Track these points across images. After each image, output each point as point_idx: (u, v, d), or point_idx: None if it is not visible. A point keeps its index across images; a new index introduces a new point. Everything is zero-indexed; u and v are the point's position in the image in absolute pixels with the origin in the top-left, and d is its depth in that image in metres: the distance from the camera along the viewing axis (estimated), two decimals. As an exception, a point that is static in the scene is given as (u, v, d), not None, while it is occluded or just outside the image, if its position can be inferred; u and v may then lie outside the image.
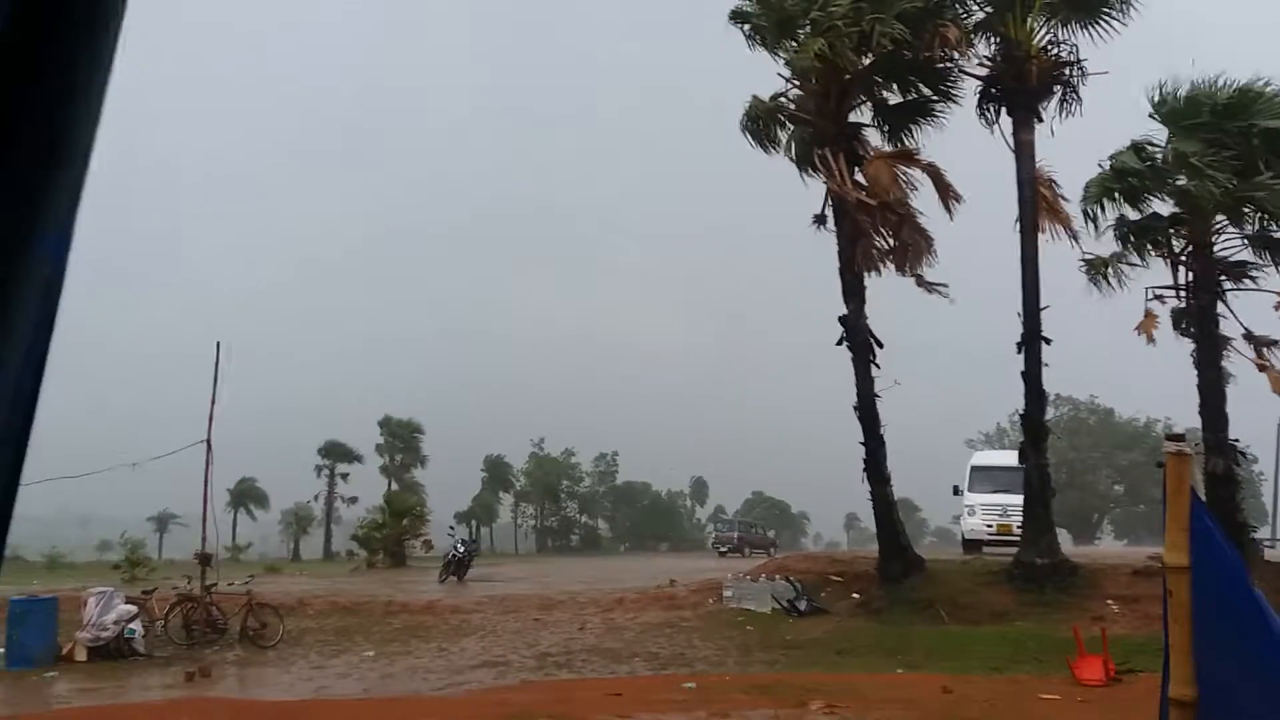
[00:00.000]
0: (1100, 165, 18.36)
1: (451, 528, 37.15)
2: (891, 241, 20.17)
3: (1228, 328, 18.12)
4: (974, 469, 28.05)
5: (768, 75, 20.15)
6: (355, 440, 72.02)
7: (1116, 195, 18.38)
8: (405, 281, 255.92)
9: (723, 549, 52.23)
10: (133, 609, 15.85)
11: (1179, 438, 2.10)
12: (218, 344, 16.54)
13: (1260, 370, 17.71)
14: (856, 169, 19.74)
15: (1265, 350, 17.91)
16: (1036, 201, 18.71)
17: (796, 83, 20.08)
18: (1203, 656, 1.97)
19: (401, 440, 70.37)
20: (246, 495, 72.81)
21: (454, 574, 28.11)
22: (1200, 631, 1.99)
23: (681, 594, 20.30)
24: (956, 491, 27.58)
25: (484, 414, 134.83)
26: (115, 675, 14.17)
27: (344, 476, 70.53)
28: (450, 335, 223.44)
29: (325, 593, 22.47)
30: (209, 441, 14.57)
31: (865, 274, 19.82)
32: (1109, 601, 16.32)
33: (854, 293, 19.48)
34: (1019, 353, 18.37)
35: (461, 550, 29.29)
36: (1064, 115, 18.99)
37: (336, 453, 70.68)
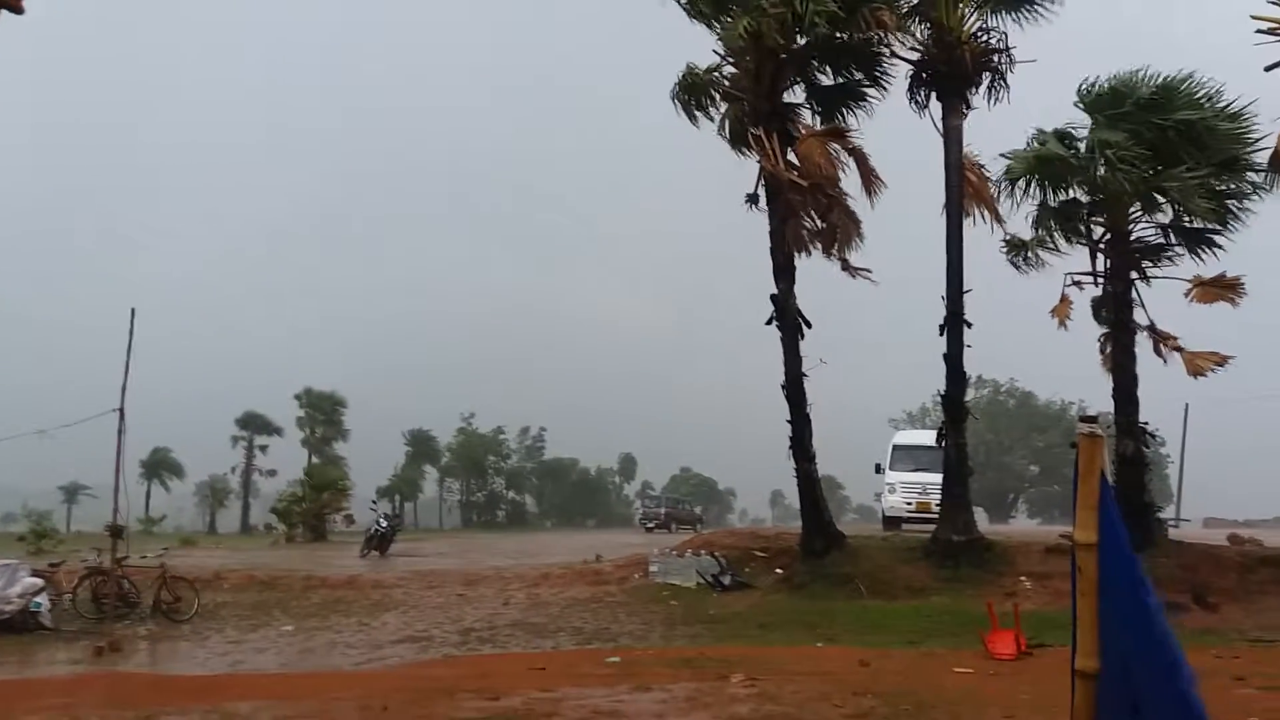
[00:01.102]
0: (1028, 144, 18.77)
1: (374, 502, 36.73)
2: (821, 224, 20.38)
3: (1140, 314, 18.74)
4: (895, 448, 28.64)
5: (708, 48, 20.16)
6: (276, 413, 70.66)
7: (1039, 179, 18.80)
8: (333, 259, 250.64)
9: (650, 525, 52.57)
10: (39, 582, 15.35)
11: (1092, 420, 2.13)
12: (132, 311, 15.99)
13: (1174, 351, 18.32)
14: (789, 149, 19.85)
15: (1167, 342, 18.57)
16: (963, 186, 19.07)
17: (731, 59, 20.11)
18: (1105, 630, 2.02)
19: (322, 413, 69.14)
20: (161, 466, 70.91)
21: (376, 549, 27.81)
22: (1104, 606, 2.04)
23: (607, 569, 20.36)
24: (878, 470, 28.15)
25: (410, 389, 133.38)
26: (20, 650, 13.72)
27: (263, 449, 69.15)
28: (377, 311, 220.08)
29: (242, 566, 22.01)
30: (121, 410, 14.08)
31: (796, 254, 19.99)
32: (1022, 578, 16.84)
33: (784, 272, 19.64)
34: (941, 335, 18.76)
35: (384, 525, 28.98)
36: (992, 102, 19.38)
37: (255, 424, 69.22)
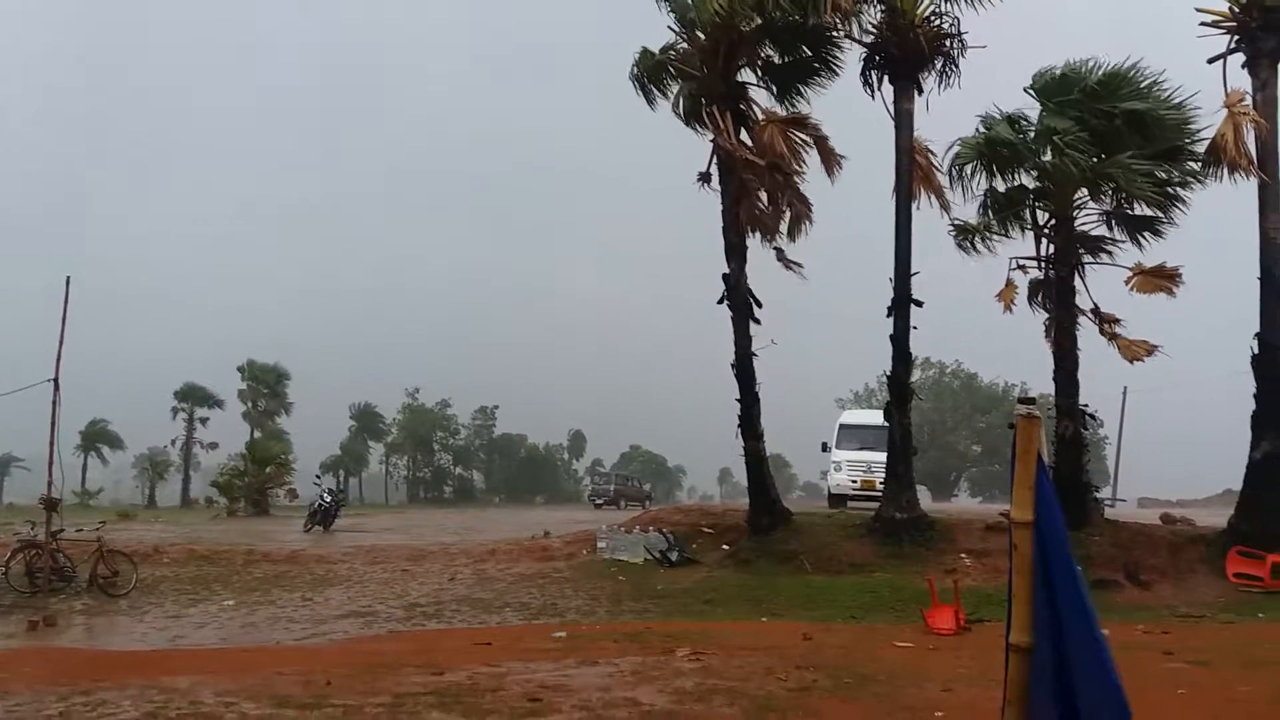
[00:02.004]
0: (978, 130, 18.99)
1: (318, 476, 36.32)
2: (771, 206, 20.46)
3: (1082, 300, 19.11)
4: (842, 427, 28.99)
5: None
6: (218, 385, 69.39)
7: (987, 164, 19.04)
8: (278, 232, 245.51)
9: (598, 501, 52.78)
10: (-30, 556, 14.94)
11: (1030, 401, 2.17)
12: (67, 279, 15.54)
13: (1110, 339, 18.74)
14: (743, 128, 19.87)
15: (1110, 325, 18.97)
16: (913, 170, 19.26)
17: (685, 36, 20.04)
18: (1039, 606, 2.07)
19: (265, 386, 68.02)
20: (98, 438, 69.29)
21: (320, 523, 27.55)
22: (1038, 583, 2.08)
23: (555, 545, 20.39)
24: (825, 448, 28.49)
25: (356, 363, 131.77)
26: (-50, 624, 13.37)
27: (203, 421, 67.90)
28: (327, 285, 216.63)
29: (182, 540, 21.66)
30: (56, 380, 13.69)
31: (748, 235, 20.07)
32: (962, 555, 17.19)
33: (736, 252, 19.70)
34: (889, 316, 18.97)
35: (328, 500, 28.70)
36: (943, 86, 19.54)
37: (195, 396, 67.88)
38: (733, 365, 19.55)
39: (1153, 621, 12.86)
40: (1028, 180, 19.33)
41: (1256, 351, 17.02)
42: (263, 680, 8.01)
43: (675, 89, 20.73)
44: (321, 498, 28.98)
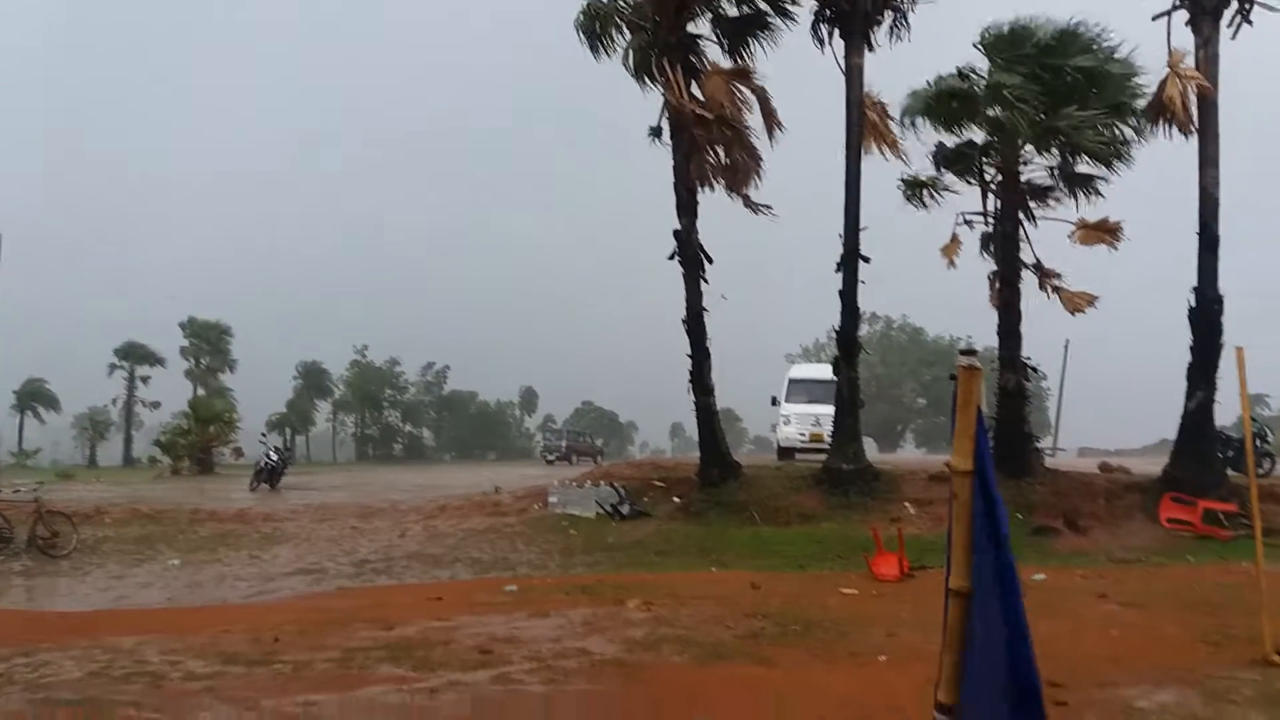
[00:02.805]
0: (928, 83, 19.05)
1: (264, 434, 35.85)
2: (724, 159, 20.39)
3: (1026, 254, 19.41)
4: (791, 381, 29.25)
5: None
6: (158, 343, 67.92)
7: (937, 118, 19.14)
8: (221, 185, 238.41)
9: (551, 457, 52.82)
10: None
11: (971, 352, 2.18)
12: (-3, 234, 15.05)
13: (1053, 292, 19.09)
14: (694, 82, 19.71)
15: (1052, 279, 19.32)
16: (863, 125, 19.28)
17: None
18: (976, 552, 2.10)
19: (208, 343, 66.75)
20: (34, 397, 67.63)
21: (266, 482, 27.24)
22: (978, 530, 2.11)
23: (506, 501, 20.39)
24: (774, 402, 28.74)
25: (300, 320, 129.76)
26: (-119, 588, 13.02)
27: (144, 380, 66.51)
28: (271, 241, 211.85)
29: (125, 500, 21.26)
30: (-14, 338, 13.25)
31: (699, 189, 20.00)
32: (906, 504, 17.55)
33: (687, 207, 19.64)
34: (838, 272, 19.09)
35: (274, 458, 28.34)
36: (894, 41, 19.55)
37: (135, 355, 66.44)
38: (684, 321, 19.58)
39: (1090, 566, 13.28)
40: (976, 135, 19.49)
41: (1193, 305, 17.45)
42: (209, 638, 7.93)
43: (625, 40, 20.46)
44: (268, 455, 28.63)
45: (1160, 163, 19.49)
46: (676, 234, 19.62)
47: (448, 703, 5.84)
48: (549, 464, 49.22)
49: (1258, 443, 19.94)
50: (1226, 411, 18.06)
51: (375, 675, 6.58)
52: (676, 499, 19.18)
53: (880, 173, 19.90)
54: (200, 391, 61.42)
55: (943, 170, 19.70)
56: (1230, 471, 17.83)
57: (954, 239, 19.55)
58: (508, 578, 13.09)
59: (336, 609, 9.98)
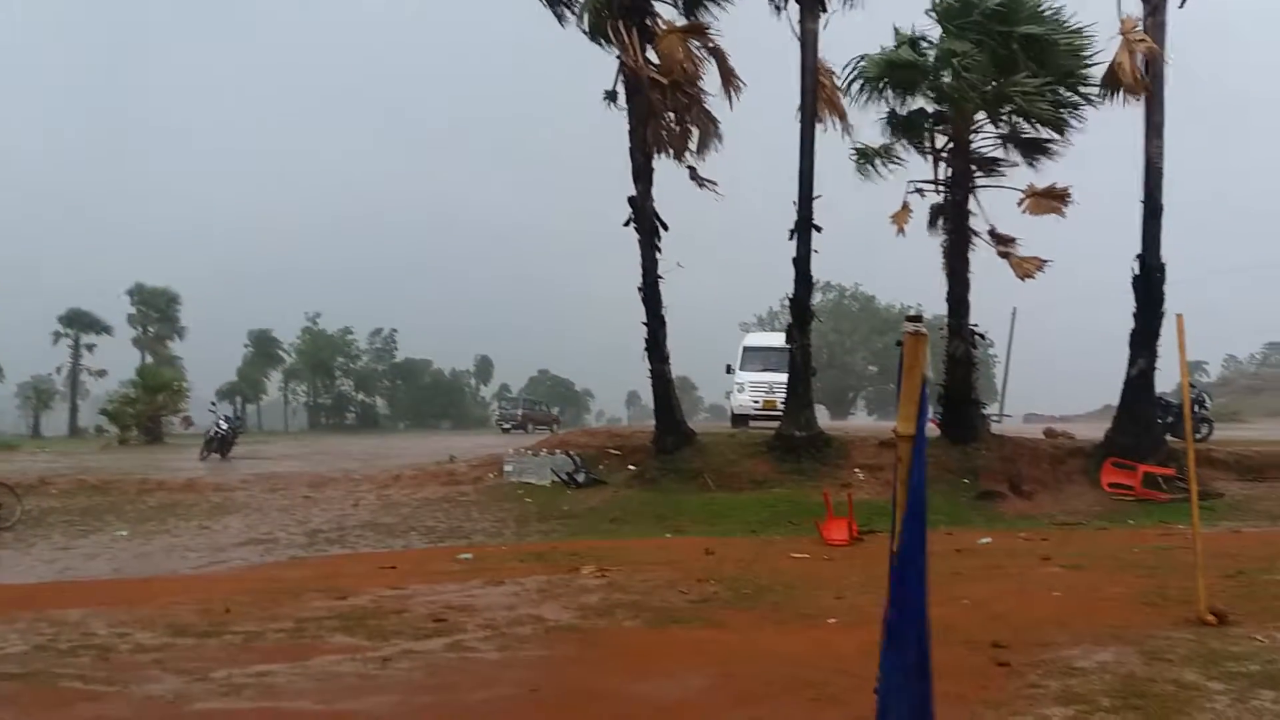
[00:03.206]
0: (881, 50, 19.08)
1: (213, 403, 35.27)
2: (679, 125, 20.30)
3: (977, 222, 19.62)
4: (745, 349, 29.44)
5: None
6: (105, 310, 66.37)
7: (888, 85, 19.19)
8: (170, 151, 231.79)
9: (506, 426, 52.69)
10: None
11: (917, 319, 2.21)
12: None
13: (1004, 258, 19.34)
14: (649, 46, 19.55)
15: (1004, 245, 19.56)
16: (817, 92, 19.29)
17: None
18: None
19: (156, 310, 65.33)
20: (-27, 367, 65.70)
21: (217, 451, 26.87)
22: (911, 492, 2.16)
23: (461, 470, 20.33)
24: (729, 370, 28.92)
25: (252, 287, 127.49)
26: None
27: (90, 348, 64.99)
28: (224, 209, 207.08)
29: (71, 471, 20.85)
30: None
31: (655, 155, 19.91)
32: (856, 469, 17.82)
33: (643, 174, 19.55)
34: (791, 240, 19.17)
35: (225, 427, 27.92)
36: (847, 7, 19.52)
37: (81, 322, 64.81)
38: (640, 289, 19.56)
39: (1034, 529, 13.61)
40: (926, 103, 19.59)
41: (1137, 272, 17.80)
42: (158, 609, 7.84)
43: (580, 3, 20.21)
44: (218, 424, 28.20)
45: (1109, 131, 19.81)
46: (632, 201, 19.55)
47: (401, 671, 5.85)
48: (504, 433, 49.09)
49: (1196, 409, 20.53)
50: (1167, 378, 18.51)
51: (328, 645, 6.55)
52: (632, 467, 19.27)
53: (834, 141, 19.98)
54: (148, 360, 60.18)
55: (894, 138, 19.79)
56: (1169, 437, 18.34)
57: (904, 207, 19.70)
58: (462, 546, 13.10)
59: (289, 579, 9.92)
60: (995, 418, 28.97)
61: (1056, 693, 5.16)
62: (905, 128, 19.70)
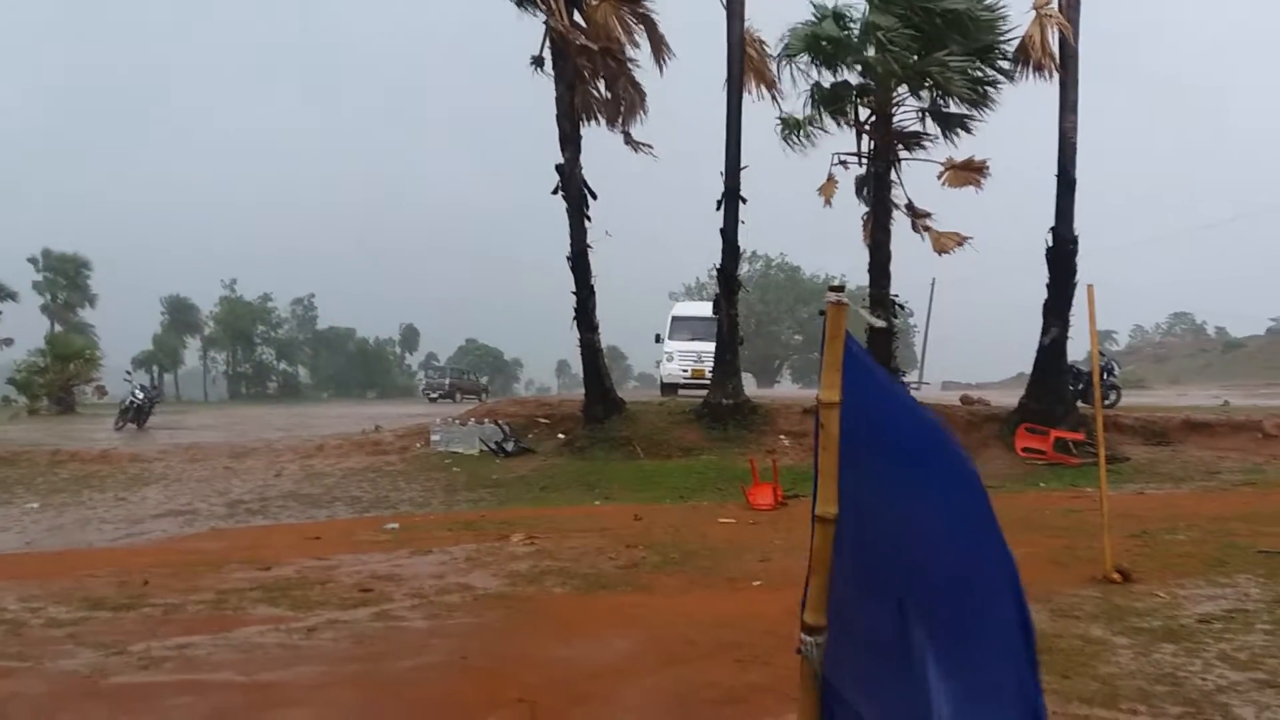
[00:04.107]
0: (808, 21, 19.19)
1: (128, 372, 34.07)
2: (607, 93, 20.15)
3: (898, 194, 19.97)
4: (674, 319, 29.59)
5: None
6: (9, 277, 63.51)
7: (814, 59, 19.33)
8: (80, 112, 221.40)
9: (433, 395, 52.15)
10: None
11: (839, 289, 2.25)
12: None
13: (923, 231, 19.73)
14: (576, 10, 19.32)
15: (922, 219, 19.96)
16: (744, 62, 19.33)
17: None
18: (845, 480, 2.18)
19: (65, 277, 62.82)
20: None
21: (132, 421, 26.05)
22: (845, 459, 2.18)
23: (387, 439, 20.09)
24: (658, 339, 29.06)
25: (165, 253, 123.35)
26: None
27: (-8, 316, 62.21)
28: (136, 174, 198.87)
29: (-25, 443, 20.04)
30: None
31: (583, 123, 19.75)
32: (781, 436, 18.12)
33: (570, 141, 19.38)
34: (719, 210, 19.27)
35: (140, 396, 27.07)
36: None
37: (-17, 289, 61.91)
38: (568, 258, 19.47)
39: (950, 494, 13.99)
40: (852, 76, 19.80)
41: (1050, 244, 18.33)
42: (73, 582, 7.63)
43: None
44: (134, 394, 27.31)
45: (1029, 108, 20.27)
46: (559, 169, 19.39)
47: (327, 641, 5.80)
48: (432, 402, 48.60)
49: (1105, 376, 21.30)
50: (1078, 347, 19.17)
51: (251, 616, 6.47)
52: (561, 435, 19.28)
53: (761, 112, 20.10)
54: (58, 328, 57.88)
55: (819, 110, 19.97)
56: (1080, 403, 19.00)
57: (830, 179, 19.96)
58: (389, 516, 12.99)
59: (210, 550, 9.73)
60: (914, 385, 29.70)
61: (970, 649, 5.35)
62: (830, 100, 19.88)
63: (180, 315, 79.19)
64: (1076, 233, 18.22)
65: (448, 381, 54.74)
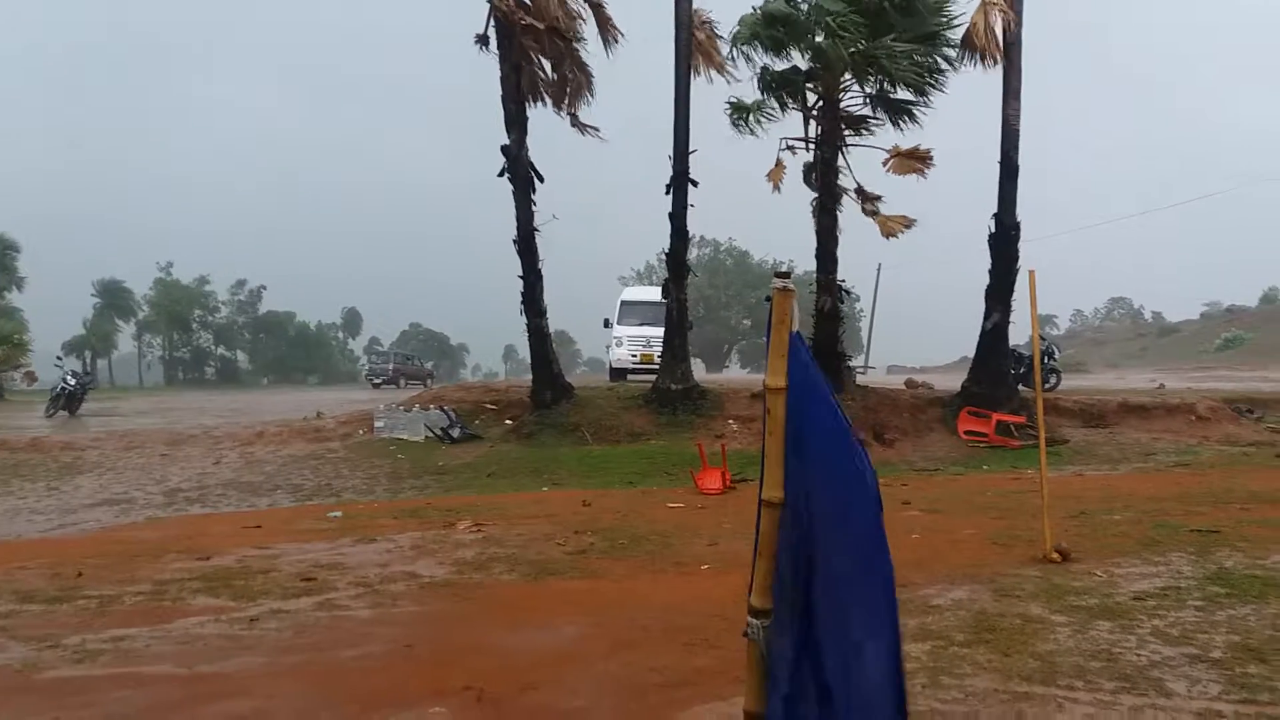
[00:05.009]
0: (754, 8, 19.19)
1: (59, 358, 33.10)
2: (554, 74, 19.97)
3: (846, 180, 20.08)
4: (623, 303, 29.55)
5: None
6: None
7: (763, 43, 19.33)
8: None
9: (377, 381, 51.47)
10: None
11: (785, 275, 2.24)
12: None
13: (871, 216, 19.87)
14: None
15: (871, 203, 20.11)
16: (692, 45, 19.28)
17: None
18: (791, 465, 2.18)
19: (-10, 259, 60.60)
20: None
21: (64, 408, 25.38)
22: (791, 443, 2.19)
23: (329, 426, 19.79)
24: (607, 324, 29.00)
25: (97, 236, 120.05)
26: None
27: (-86, 300, 59.91)
28: (57, 152, 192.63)
29: (-104, 432, 19.32)
30: None
31: (530, 104, 19.55)
32: (730, 421, 18.21)
33: (516, 123, 19.17)
34: (668, 194, 19.24)
35: (72, 382, 26.36)
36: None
37: (-103, 272, 59.57)
38: (515, 241, 19.30)
39: (894, 475, 14.22)
40: (801, 61, 19.83)
41: (993, 230, 18.62)
42: (2, 575, 7.39)
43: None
44: (65, 380, 26.57)
45: (974, 93, 20.50)
46: (505, 150, 19.18)
47: (269, 631, 5.69)
48: (375, 388, 47.97)
49: (1046, 360, 21.79)
50: (1020, 331, 19.52)
51: (191, 607, 6.32)
52: (509, 421, 19.17)
53: (712, 98, 20.07)
54: (-18, 312, 55.92)
55: (768, 94, 19.99)
56: (1021, 386, 19.38)
57: (778, 164, 19.99)
58: (332, 504, 12.80)
59: (147, 540, 9.49)
60: (860, 370, 30.02)
61: (914, 630, 5.43)
62: (779, 84, 19.89)
63: (113, 299, 77.05)
64: (1019, 219, 18.54)
65: (392, 367, 54.01)
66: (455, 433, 18.39)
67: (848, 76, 19.38)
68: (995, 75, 18.53)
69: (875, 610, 2.04)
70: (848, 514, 2.11)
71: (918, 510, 10.20)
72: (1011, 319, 18.67)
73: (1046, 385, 20.69)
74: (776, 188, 19.98)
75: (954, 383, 20.87)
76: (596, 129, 20.20)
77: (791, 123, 20.27)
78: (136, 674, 4.88)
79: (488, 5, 18.83)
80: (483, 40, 19.27)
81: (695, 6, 19.26)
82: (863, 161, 20.15)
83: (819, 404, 2.19)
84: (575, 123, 20.07)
